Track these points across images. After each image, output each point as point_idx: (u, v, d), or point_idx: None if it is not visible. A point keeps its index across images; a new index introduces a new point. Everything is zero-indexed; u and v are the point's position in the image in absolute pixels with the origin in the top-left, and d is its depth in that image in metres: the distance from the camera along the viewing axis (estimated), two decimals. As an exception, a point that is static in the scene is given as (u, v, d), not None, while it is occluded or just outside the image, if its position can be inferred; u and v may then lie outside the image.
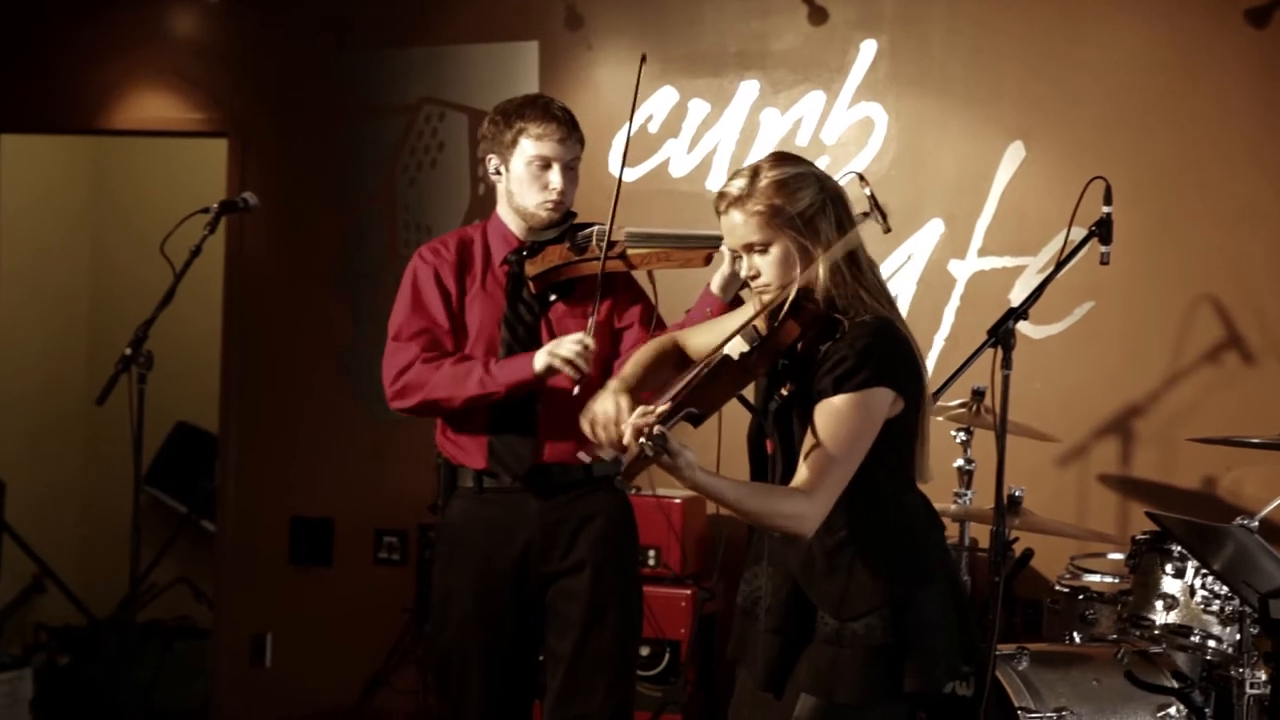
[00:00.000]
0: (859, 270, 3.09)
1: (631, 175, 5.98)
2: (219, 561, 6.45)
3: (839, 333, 3.03)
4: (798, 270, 3.04)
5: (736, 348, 2.98)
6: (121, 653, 6.05)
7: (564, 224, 3.99)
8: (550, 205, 3.93)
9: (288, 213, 6.40)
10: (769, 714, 3.18)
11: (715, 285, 3.87)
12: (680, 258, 3.90)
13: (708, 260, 3.92)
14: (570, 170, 3.95)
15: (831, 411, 2.97)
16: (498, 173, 3.99)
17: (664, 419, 2.78)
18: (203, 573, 7.03)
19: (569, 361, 3.74)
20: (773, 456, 3.12)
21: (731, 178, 3.10)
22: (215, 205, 4.38)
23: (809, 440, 2.98)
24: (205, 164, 6.82)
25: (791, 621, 3.13)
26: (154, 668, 6.79)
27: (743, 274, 3.13)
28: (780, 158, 3.13)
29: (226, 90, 6.45)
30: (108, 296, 7.64)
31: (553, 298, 3.98)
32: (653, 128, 5.98)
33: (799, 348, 3.08)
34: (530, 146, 3.90)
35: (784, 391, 3.12)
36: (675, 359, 3.33)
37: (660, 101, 5.96)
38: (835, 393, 2.97)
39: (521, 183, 3.93)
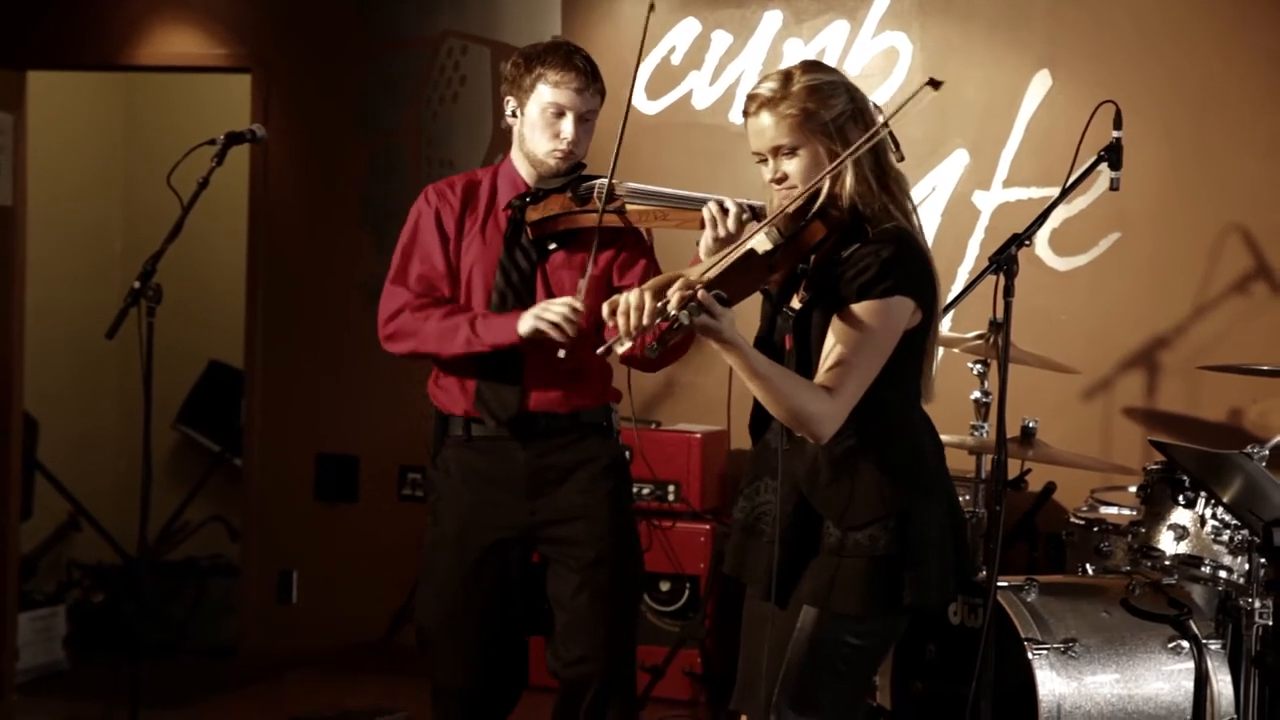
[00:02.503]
0: (886, 179, 3.10)
1: (654, 108, 5.94)
2: (246, 499, 6.48)
3: (862, 239, 3.04)
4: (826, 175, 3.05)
5: (761, 244, 2.98)
6: (144, 590, 6.08)
7: (571, 175, 3.95)
8: (559, 154, 3.88)
9: (311, 148, 6.39)
10: (775, 628, 3.17)
11: (702, 251, 3.79)
12: (677, 218, 3.84)
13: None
14: (585, 122, 3.89)
15: (855, 318, 2.98)
16: (514, 115, 3.95)
17: (708, 287, 2.81)
18: (236, 511, 7.05)
19: (555, 325, 3.71)
20: (788, 355, 3.10)
21: (762, 80, 3.12)
22: (222, 137, 4.33)
23: (829, 345, 3.00)
24: (236, 99, 6.79)
25: (796, 532, 3.12)
26: (188, 605, 6.84)
27: (767, 177, 3.12)
28: (812, 65, 3.15)
29: (249, 25, 6.42)
30: (141, 235, 7.62)
31: (552, 247, 3.93)
32: (675, 60, 5.92)
33: (818, 253, 3.07)
34: (547, 92, 3.84)
35: (798, 297, 3.13)
36: None
37: (683, 33, 5.90)
38: (860, 299, 2.99)
39: (534, 128, 3.88)
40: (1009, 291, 3.66)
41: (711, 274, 2.90)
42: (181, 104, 7.71)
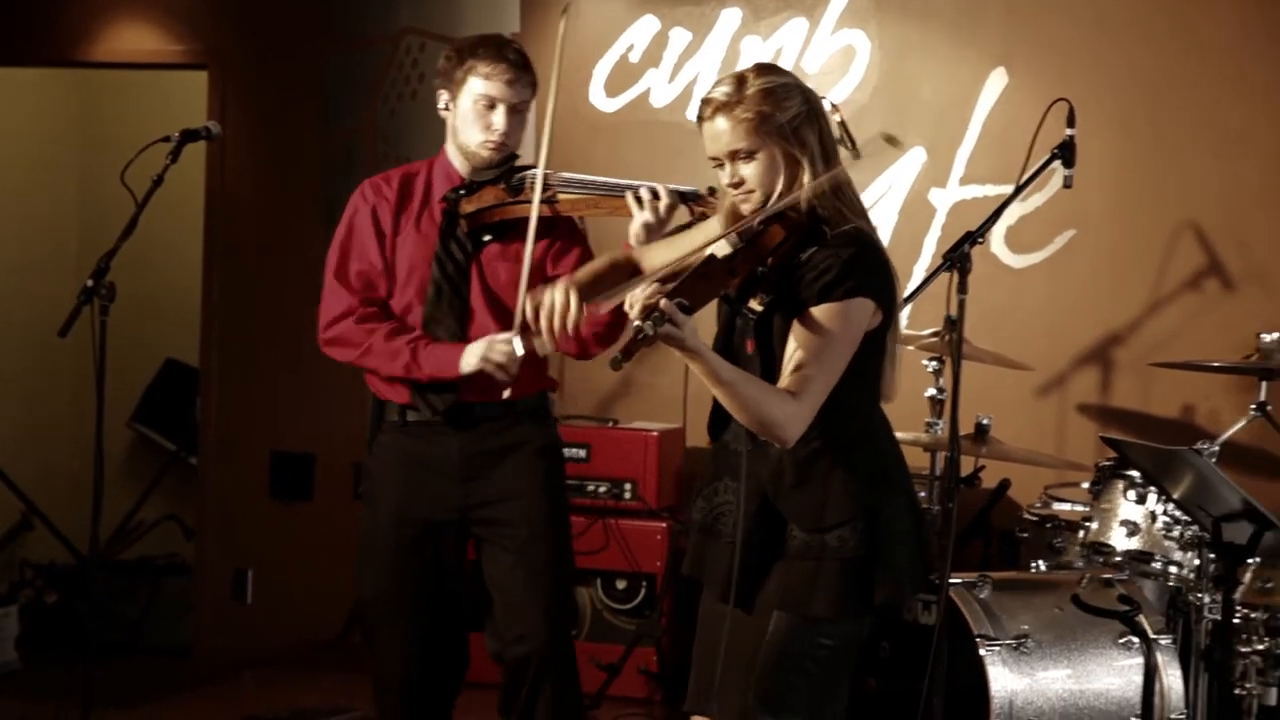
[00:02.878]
0: (840, 185, 3.10)
1: (612, 106, 5.94)
2: (201, 497, 6.45)
3: (820, 241, 3.04)
4: (783, 177, 3.05)
5: (721, 248, 3.00)
6: (97, 589, 6.03)
7: (504, 166, 3.99)
8: (492, 145, 3.93)
9: (268, 145, 6.37)
10: (736, 631, 3.15)
11: (632, 238, 3.85)
12: (609, 205, 3.92)
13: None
14: (516, 113, 3.94)
15: (816, 321, 2.98)
16: (446, 108, 4.00)
17: (670, 295, 2.81)
18: (191, 510, 7.01)
19: (501, 367, 3.77)
20: (750, 359, 3.10)
21: (716, 85, 3.12)
22: (176, 134, 4.32)
23: (791, 349, 3.00)
24: (195, 96, 6.76)
25: (759, 535, 3.12)
26: (142, 605, 6.80)
27: (724, 181, 3.12)
28: (765, 67, 3.15)
29: (206, 21, 6.40)
30: (97, 232, 7.56)
31: (487, 239, 3.97)
32: (634, 57, 5.92)
33: (776, 255, 3.07)
34: (478, 85, 3.89)
35: (757, 300, 3.11)
36: (626, 273, 3.31)
37: (641, 30, 5.90)
38: (820, 302, 2.99)
39: (466, 120, 3.93)
40: (962, 289, 3.68)
41: (672, 282, 2.90)
42: (138, 100, 7.66)
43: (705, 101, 3.10)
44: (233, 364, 6.40)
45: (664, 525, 5.50)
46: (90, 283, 4.05)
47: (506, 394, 3.77)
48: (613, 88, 5.93)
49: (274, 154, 6.37)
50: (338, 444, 6.19)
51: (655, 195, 3.78)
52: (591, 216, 4.01)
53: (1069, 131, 4.06)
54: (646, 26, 5.89)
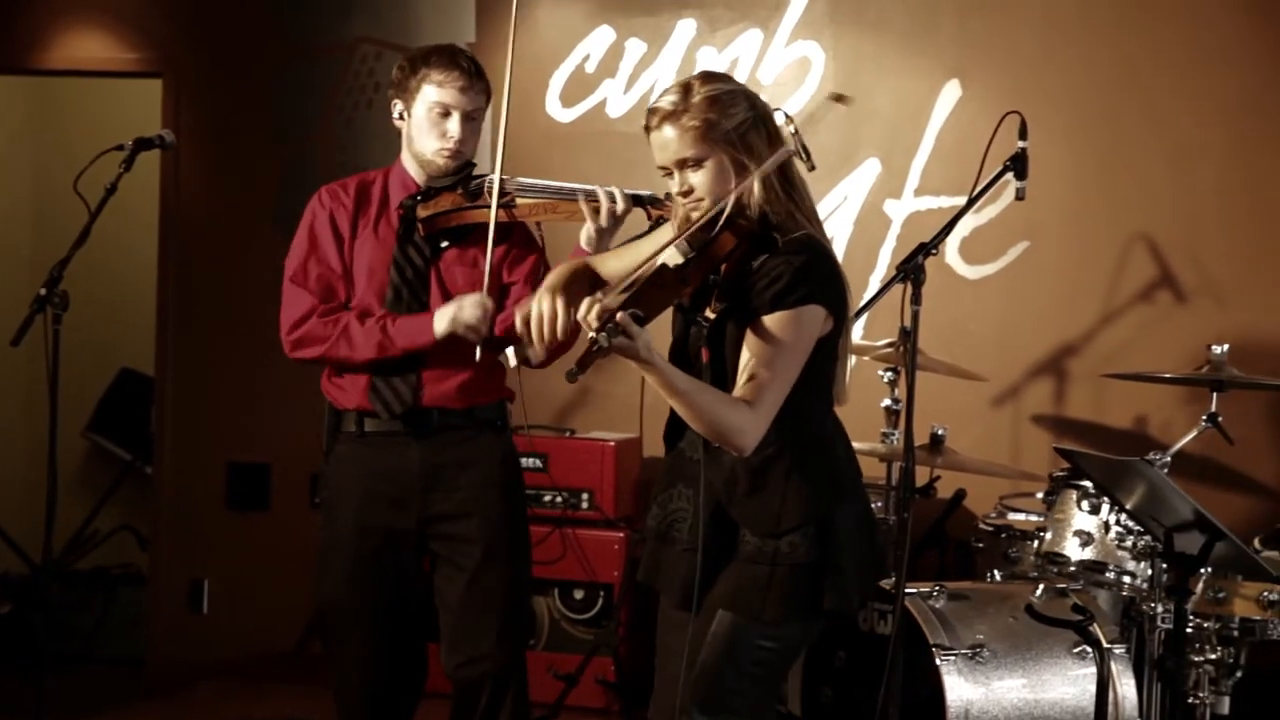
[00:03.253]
0: (792, 188, 3.12)
1: (568, 116, 5.94)
2: (156, 507, 6.41)
3: (772, 248, 3.05)
4: (733, 184, 3.05)
5: (672, 258, 2.99)
6: (50, 599, 6.00)
7: (461, 173, 4.01)
8: (447, 153, 3.95)
9: (223, 153, 6.34)
10: (691, 634, 3.16)
11: (584, 241, 3.89)
12: (566, 209, 3.95)
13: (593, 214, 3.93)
14: (470, 121, 3.97)
15: (769, 329, 2.99)
16: (401, 118, 4.02)
17: (624, 306, 2.81)
18: (147, 520, 6.98)
19: (471, 327, 3.81)
20: (705, 367, 3.11)
21: (662, 94, 3.12)
22: (130, 143, 4.31)
23: (746, 357, 3.01)
24: (150, 102, 6.72)
25: (713, 541, 3.13)
26: (97, 615, 6.77)
27: (674, 190, 3.13)
28: (711, 75, 3.16)
29: (160, 29, 6.36)
30: (51, 240, 7.52)
31: (444, 244, 3.99)
32: (589, 68, 5.92)
33: (729, 263, 3.07)
34: (432, 93, 3.92)
35: (710, 308, 3.13)
36: (588, 281, 3.31)
37: (597, 41, 5.90)
38: (773, 309, 3.00)
39: (421, 129, 3.96)
40: (916, 300, 3.70)
41: (626, 293, 2.89)
42: (94, 109, 7.62)
43: (652, 110, 3.11)
44: (188, 373, 6.37)
45: (621, 535, 5.51)
46: (43, 291, 4.04)
47: (479, 354, 3.80)
48: (569, 98, 5.93)
49: (229, 162, 6.34)
50: (294, 454, 6.16)
51: (612, 199, 3.82)
52: (549, 221, 4.03)
53: (1021, 144, 4.10)
54: (602, 37, 5.90)
